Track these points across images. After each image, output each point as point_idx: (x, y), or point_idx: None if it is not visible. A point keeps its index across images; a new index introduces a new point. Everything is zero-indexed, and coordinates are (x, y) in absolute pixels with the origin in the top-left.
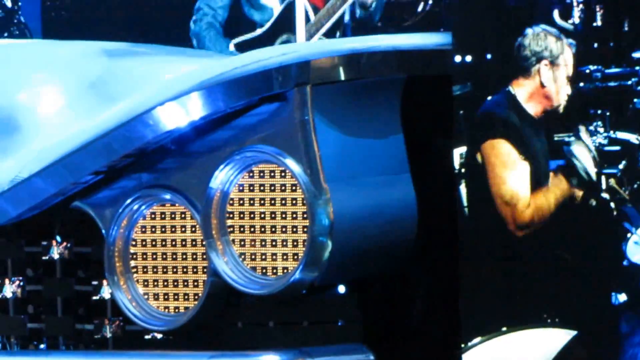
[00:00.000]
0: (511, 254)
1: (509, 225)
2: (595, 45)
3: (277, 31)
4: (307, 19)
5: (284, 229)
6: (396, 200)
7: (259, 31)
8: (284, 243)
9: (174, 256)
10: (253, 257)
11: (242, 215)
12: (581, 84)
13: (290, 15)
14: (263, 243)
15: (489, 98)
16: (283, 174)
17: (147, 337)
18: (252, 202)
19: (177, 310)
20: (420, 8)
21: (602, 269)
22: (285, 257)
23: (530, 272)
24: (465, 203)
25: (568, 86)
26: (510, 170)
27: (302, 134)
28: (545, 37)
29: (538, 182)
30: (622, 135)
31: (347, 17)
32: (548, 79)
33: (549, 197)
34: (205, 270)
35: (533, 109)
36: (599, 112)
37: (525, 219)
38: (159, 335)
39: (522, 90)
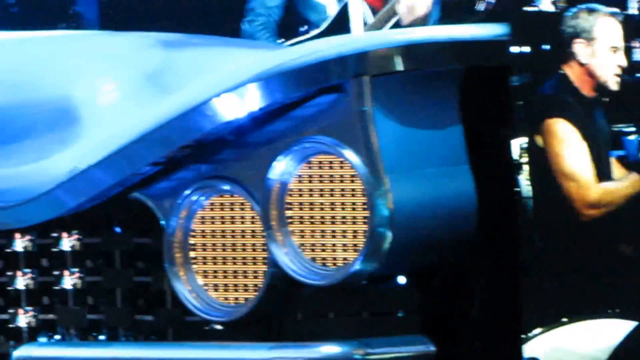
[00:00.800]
0: (572, 244)
1: (576, 203)
2: None
3: (332, 32)
4: (365, 21)
5: (343, 220)
6: (455, 191)
7: (313, 33)
8: (344, 234)
9: (234, 247)
10: (313, 248)
11: (301, 207)
12: (638, 75)
13: (346, 17)
14: (323, 234)
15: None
16: (342, 165)
17: (206, 328)
18: (311, 193)
19: (237, 301)
20: (480, 7)
21: None
22: (345, 248)
23: (591, 262)
24: (524, 194)
25: (616, 55)
26: (570, 147)
27: (360, 125)
28: (577, 15)
29: (599, 163)
30: None
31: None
32: (586, 56)
33: (613, 184)
34: (265, 261)
35: (585, 89)
36: None
37: (591, 197)
38: (219, 327)
39: (571, 72)
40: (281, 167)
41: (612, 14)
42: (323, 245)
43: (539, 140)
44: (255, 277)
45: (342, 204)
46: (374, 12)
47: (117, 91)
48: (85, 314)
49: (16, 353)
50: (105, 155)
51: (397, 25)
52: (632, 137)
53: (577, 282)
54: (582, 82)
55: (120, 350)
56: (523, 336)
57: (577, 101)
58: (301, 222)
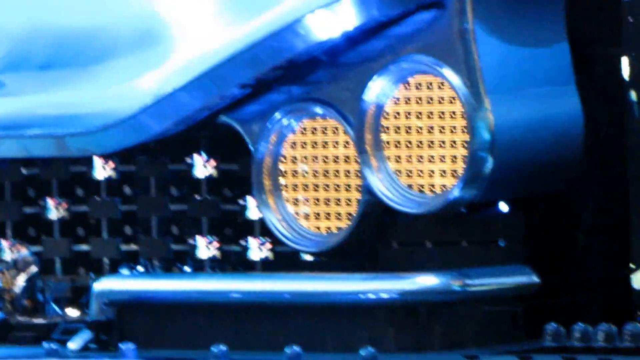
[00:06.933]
0: None
1: None
2: None
3: None
4: None
5: (442, 144)
6: (561, 112)
7: None
8: (442, 159)
9: (326, 173)
10: (409, 174)
11: (397, 130)
12: None
13: None
14: (420, 159)
15: None
16: (441, 86)
17: (296, 258)
18: (408, 115)
19: (329, 231)
20: None
21: None
22: (443, 173)
23: None
24: (637, 115)
25: None
26: None
27: (461, 43)
28: None
29: None
30: None
31: None
32: None
33: None
34: (358, 188)
35: None
36: None
37: None
38: (310, 257)
39: None
40: (377, 89)
41: None
42: (420, 170)
43: None
44: (349, 205)
45: (441, 127)
46: None
47: (203, 9)
48: (170, 245)
49: (97, 286)
50: (192, 78)
51: None
52: None
53: None
54: None
55: (206, 282)
56: (632, 266)
57: None
58: (397, 147)
